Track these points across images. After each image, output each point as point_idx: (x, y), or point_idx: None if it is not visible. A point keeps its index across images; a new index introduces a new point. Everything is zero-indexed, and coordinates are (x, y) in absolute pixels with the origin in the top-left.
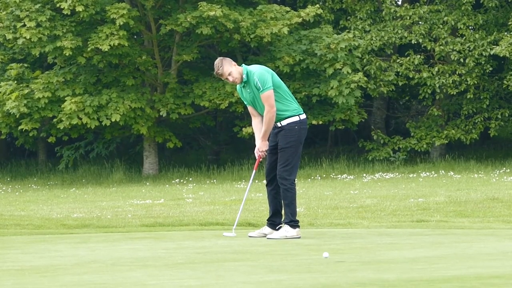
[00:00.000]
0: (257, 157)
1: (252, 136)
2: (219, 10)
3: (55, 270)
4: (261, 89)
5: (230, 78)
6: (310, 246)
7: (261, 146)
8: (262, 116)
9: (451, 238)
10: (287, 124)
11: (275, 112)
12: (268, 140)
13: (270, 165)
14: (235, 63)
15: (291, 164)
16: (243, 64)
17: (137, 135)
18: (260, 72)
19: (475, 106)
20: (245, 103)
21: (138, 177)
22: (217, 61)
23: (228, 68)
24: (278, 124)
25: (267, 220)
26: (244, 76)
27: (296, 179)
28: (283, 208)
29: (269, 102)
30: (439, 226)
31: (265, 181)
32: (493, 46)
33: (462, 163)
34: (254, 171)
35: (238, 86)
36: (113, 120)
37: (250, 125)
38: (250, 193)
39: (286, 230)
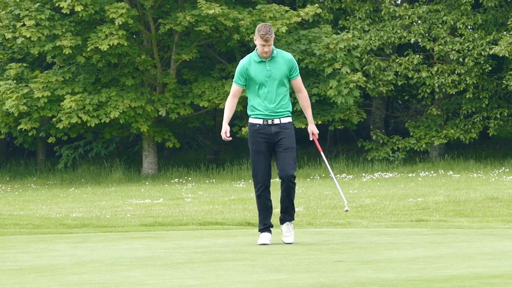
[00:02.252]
0: (314, 140)
1: None
2: (218, 8)
3: (54, 269)
4: (297, 73)
5: (267, 48)
6: (309, 245)
7: (315, 129)
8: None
9: (450, 238)
10: (288, 122)
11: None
12: (259, 143)
13: (267, 170)
14: None
15: (296, 163)
16: None
17: (136, 134)
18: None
19: (474, 105)
20: (240, 81)
21: (137, 176)
22: (268, 26)
23: (272, 39)
24: (277, 121)
25: (268, 226)
26: (274, 52)
27: None
28: (285, 207)
29: (302, 85)
30: (438, 225)
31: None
32: (492, 46)
33: (461, 163)
34: (321, 153)
35: (248, 60)
36: (112, 116)
37: None
38: (249, 193)
39: (292, 227)
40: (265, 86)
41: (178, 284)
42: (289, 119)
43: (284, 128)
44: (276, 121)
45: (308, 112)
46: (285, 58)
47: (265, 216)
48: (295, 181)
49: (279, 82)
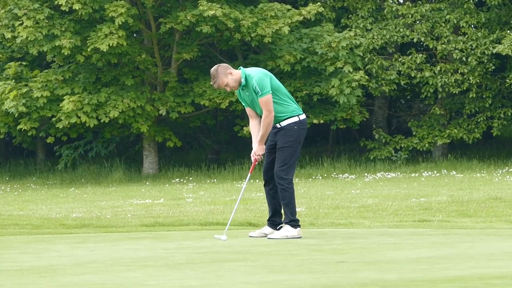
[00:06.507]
0: (253, 161)
1: None
2: (219, 9)
3: (54, 270)
4: (260, 93)
5: (228, 88)
6: (311, 246)
7: (257, 150)
8: (260, 117)
9: (453, 238)
10: (286, 124)
11: (273, 116)
12: (266, 141)
13: (268, 165)
14: (230, 70)
15: (288, 163)
16: (241, 67)
17: (137, 134)
18: (258, 76)
19: (478, 105)
20: (243, 104)
21: (138, 176)
22: (213, 72)
23: (223, 79)
24: (278, 125)
25: (268, 220)
26: (242, 80)
27: (293, 179)
28: (282, 208)
29: (267, 107)
30: (441, 226)
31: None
32: (496, 45)
33: (464, 163)
34: (249, 174)
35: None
36: (111, 116)
37: None
38: (251, 193)
39: (286, 230)
40: (253, 105)
41: (179, 284)
42: (287, 121)
43: (280, 130)
44: (277, 125)
45: (259, 134)
46: (250, 81)
47: (268, 208)
48: (284, 182)
49: (258, 102)
